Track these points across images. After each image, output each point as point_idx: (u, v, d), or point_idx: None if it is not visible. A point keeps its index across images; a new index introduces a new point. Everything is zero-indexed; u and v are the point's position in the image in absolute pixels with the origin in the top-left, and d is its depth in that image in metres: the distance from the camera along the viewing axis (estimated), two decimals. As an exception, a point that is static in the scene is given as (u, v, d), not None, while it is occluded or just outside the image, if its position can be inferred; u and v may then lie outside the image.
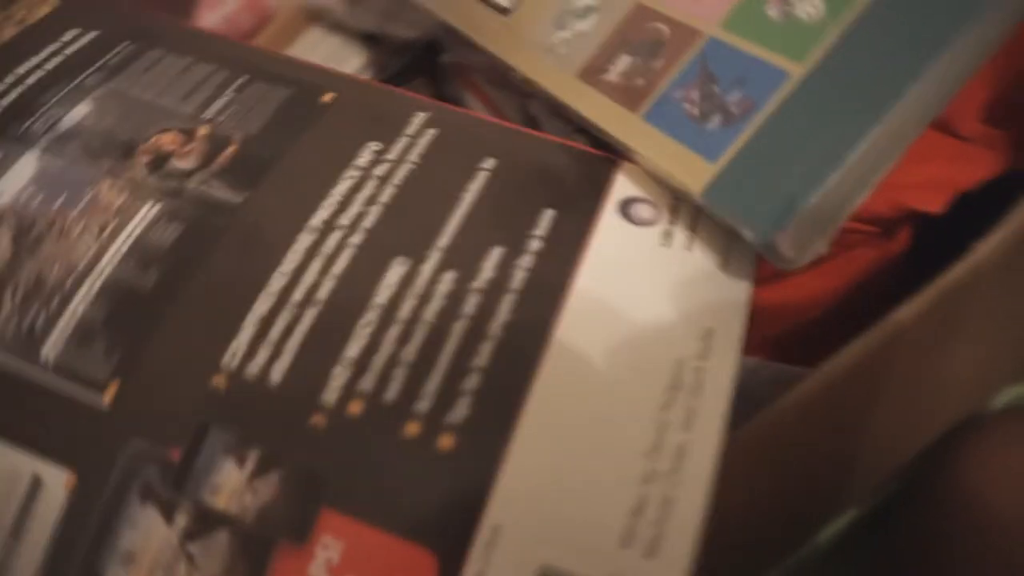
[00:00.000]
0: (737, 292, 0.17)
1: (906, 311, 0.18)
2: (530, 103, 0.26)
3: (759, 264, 0.18)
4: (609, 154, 0.19)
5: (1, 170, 0.18)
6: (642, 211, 0.18)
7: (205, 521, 0.14)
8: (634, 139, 0.18)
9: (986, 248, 0.18)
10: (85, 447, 0.15)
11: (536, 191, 0.18)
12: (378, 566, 0.14)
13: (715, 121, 0.18)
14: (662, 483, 0.14)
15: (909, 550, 0.22)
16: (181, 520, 0.14)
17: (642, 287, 0.17)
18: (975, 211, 0.20)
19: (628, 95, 0.19)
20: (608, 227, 0.17)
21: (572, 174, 0.18)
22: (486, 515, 0.14)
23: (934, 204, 0.21)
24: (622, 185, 0.19)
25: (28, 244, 0.17)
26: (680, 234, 0.18)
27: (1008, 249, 0.18)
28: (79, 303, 0.16)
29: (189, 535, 0.14)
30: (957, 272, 0.18)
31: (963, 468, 0.22)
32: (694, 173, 0.17)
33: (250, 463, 0.15)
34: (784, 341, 0.23)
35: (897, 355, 0.18)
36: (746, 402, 0.19)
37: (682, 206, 0.18)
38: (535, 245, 0.17)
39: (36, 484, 0.15)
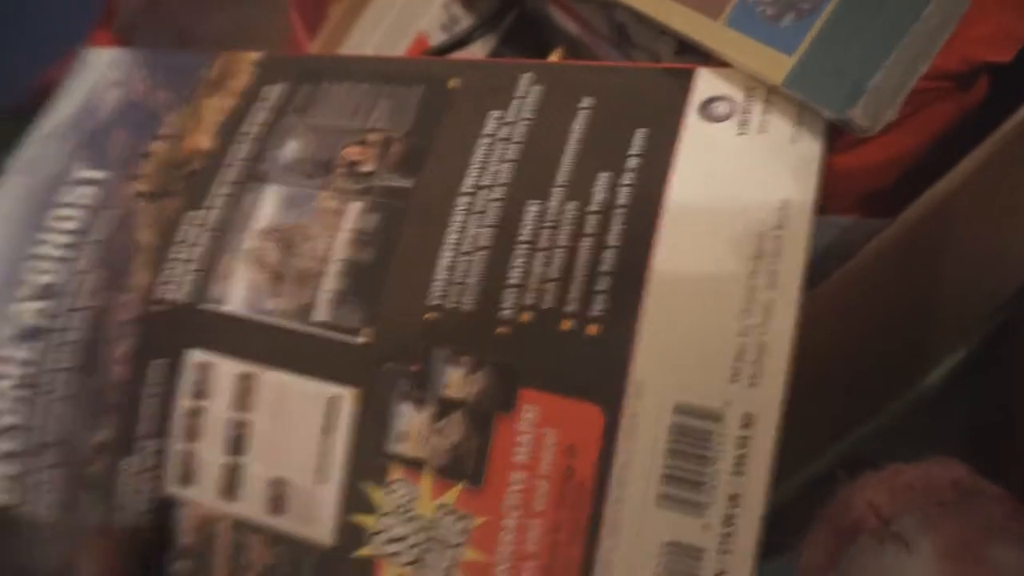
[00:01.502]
0: (808, 163, 0.20)
1: (982, 150, 0.20)
2: (615, 11, 0.29)
3: (842, 133, 0.21)
4: (687, 64, 0.23)
5: (257, 203, 0.25)
6: (719, 108, 0.22)
7: (445, 407, 0.22)
8: (719, 43, 0.22)
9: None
10: (358, 372, 0.23)
11: (628, 116, 0.22)
12: (564, 419, 0.20)
13: (788, 18, 0.21)
14: (755, 333, 0.19)
15: (1020, 382, 0.24)
16: (429, 408, 0.22)
17: (725, 175, 0.21)
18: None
19: (708, 4, 0.22)
20: (692, 130, 0.22)
21: (656, 92, 0.22)
22: (631, 375, 0.20)
23: (1004, 54, 0.22)
24: (700, 90, 0.22)
25: (287, 248, 0.25)
26: (754, 120, 0.21)
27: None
28: (329, 280, 0.24)
29: (435, 417, 0.22)
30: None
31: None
32: (775, 67, 0.21)
33: (464, 366, 0.22)
34: (876, 198, 0.25)
35: (977, 193, 0.20)
36: (845, 259, 0.23)
37: (755, 95, 0.22)
38: (633, 163, 0.21)
39: (333, 399, 0.23)
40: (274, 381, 0.24)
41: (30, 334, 0.28)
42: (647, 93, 0.23)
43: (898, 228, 0.20)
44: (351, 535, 0.22)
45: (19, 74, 0.45)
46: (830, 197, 0.23)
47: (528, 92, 0.24)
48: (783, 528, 0.23)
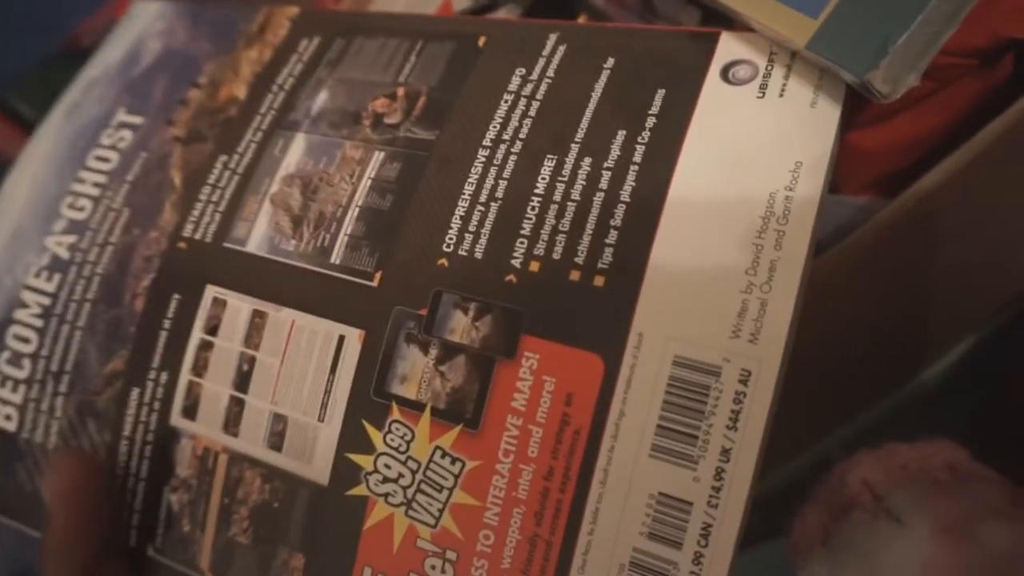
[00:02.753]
0: (825, 128, 0.21)
1: (997, 124, 0.20)
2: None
3: (864, 109, 0.21)
4: (712, 29, 0.23)
5: (286, 150, 0.26)
6: (741, 72, 0.22)
7: (448, 350, 0.22)
8: (744, 6, 0.22)
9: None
10: (367, 314, 0.23)
11: (649, 76, 0.23)
12: (564, 367, 0.21)
13: None
14: (759, 291, 0.19)
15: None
16: (433, 352, 0.22)
17: (741, 135, 0.21)
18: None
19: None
20: (711, 92, 0.22)
21: (679, 54, 0.23)
22: (633, 326, 0.20)
23: None
24: (722, 53, 0.23)
25: (310, 193, 0.25)
26: (775, 85, 0.22)
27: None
28: (347, 225, 0.24)
29: (439, 360, 0.22)
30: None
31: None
32: (799, 29, 0.21)
33: (471, 311, 0.22)
34: (896, 179, 0.25)
35: (994, 172, 0.20)
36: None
37: (777, 60, 0.22)
38: (651, 122, 0.22)
39: (341, 339, 0.23)
40: (285, 320, 0.24)
41: (58, 266, 0.29)
42: (670, 55, 0.23)
43: (896, 208, 0.20)
44: (346, 474, 0.23)
45: (55, 24, 0.46)
46: (848, 177, 0.23)
47: (554, 51, 0.24)
48: (786, 510, 0.23)
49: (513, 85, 0.24)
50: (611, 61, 0.23)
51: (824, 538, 0.20)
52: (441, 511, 0.21)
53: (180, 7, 0.32)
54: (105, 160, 0.30)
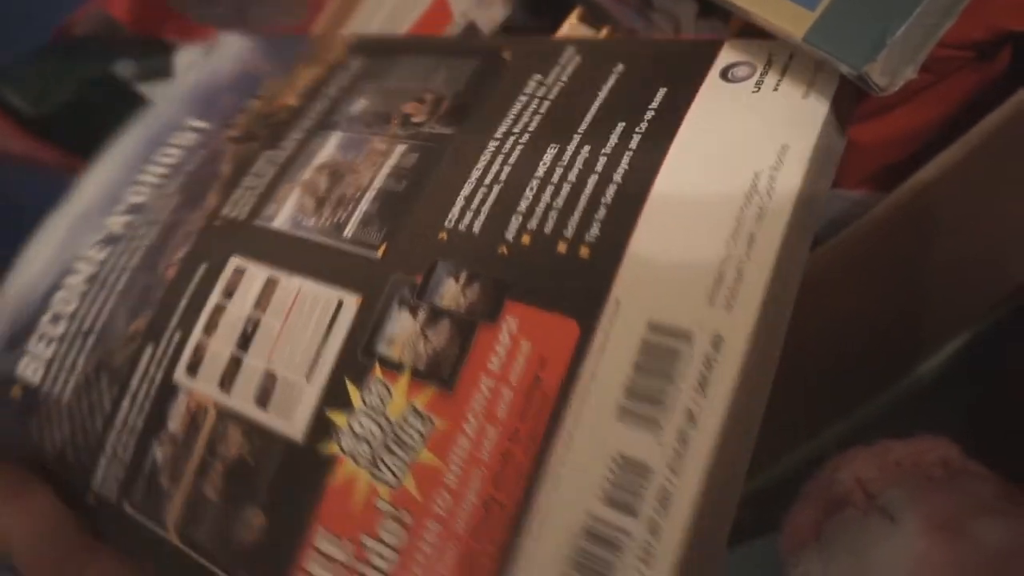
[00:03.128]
0: (813, 116, 0.21)
1: (994, 117, 0.20)
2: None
3: (860, 103, 0.21)
4: (715, 37, 0.24)
5: (321, 145, 0.29)
6: (739, 71, 0.23)
7: (435, 314, 0.22)
8: None
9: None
10: (367, 281, 0.24)
11: (653, 77, 0.24)
12: (541, 331, 0.21)
13: None
14: (736, 260, 0.19)
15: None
16: (421, 316, 0.23)
17: (733, 122, 0.22)
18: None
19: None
20: (710, 88, 0.23)
21: (683, 58, 0.24)
22: (611, 294, 0.20)
23: None
24: (723, 58, 0.24)
25: (336, 178, 0.27)
26: (770, 81, 0.22)
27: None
28: (364, 204, 0.26)
29: (425, 323, 0.22)
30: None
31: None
32: (796, 22, 0.21)
33: (462, 279, 0.23)
34: (893, 173, 0.24)
35: (990, 166, 0.19)
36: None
37: (776, 60, 0.23)
38: (649, 115, 0.23)
39: (339, 303, 0.24)
40: (294, 286, 0.25)
41: (111, 240, 0.31)
42: (674, 59, 0.24)
43: (892, 202, 0.20)
44: (321, 431, 0.23)
45: (43, 17, 0.45)
46: (844, 171, 0.23)
47: (569, 61, 0.26)
48: (779, 505, 0.21)
49: (529, 88, 0.26)
50: (620, 66, 0.25)
51: (817, 535, 0.18)
52: (404, 471, 0.21)
53: (255, 39, 0.37)
54: (169, 156, 0.33)
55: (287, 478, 0.23)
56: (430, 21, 0.43)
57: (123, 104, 0.39)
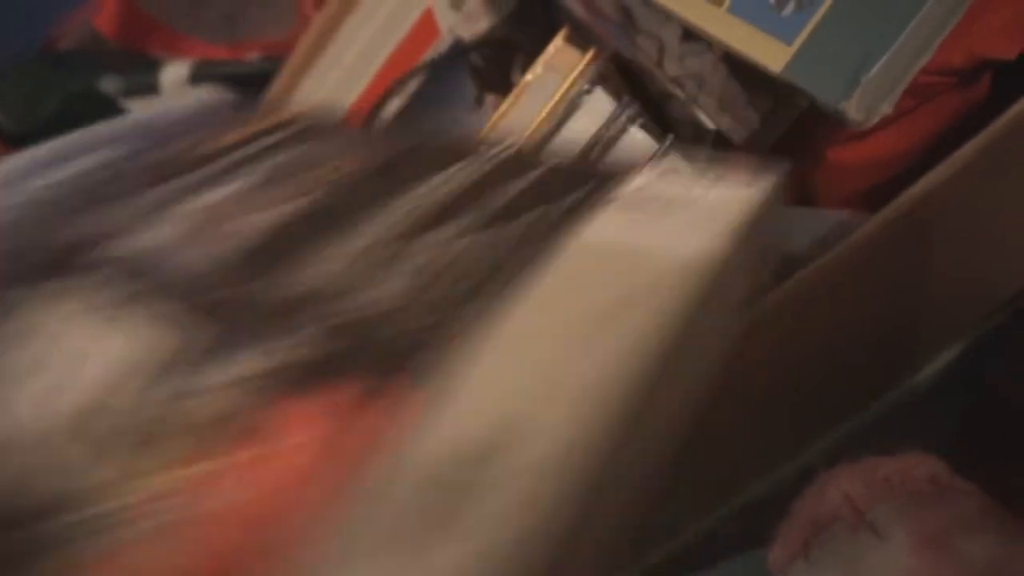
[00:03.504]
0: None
1: (979, 140, 0.20)
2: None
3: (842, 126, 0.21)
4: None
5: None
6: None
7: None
8: (720, 30, 0.22)
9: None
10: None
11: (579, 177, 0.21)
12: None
13: (789, 8, 0.21)
14: None
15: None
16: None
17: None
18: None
19: (713, -10, 0.22)
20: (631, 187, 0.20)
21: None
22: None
23: (1008, 51, 0.22)
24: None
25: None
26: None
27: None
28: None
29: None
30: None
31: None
32: (774, 55, 0.21)
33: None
34: (875, 194, 0.24)
35: (965, 190, 0.20)
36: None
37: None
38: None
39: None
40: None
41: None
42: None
43: (876, 224, 0.20)
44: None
45: (28, 28, 0.46)
46: (827, 191, 0.24)
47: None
48: (768, 520, 0.21)
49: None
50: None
51: (805, 551, 0.18)
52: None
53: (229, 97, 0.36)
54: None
55: None
56: (417, 37, 0.43)
57: (107, 119, 0.39)
